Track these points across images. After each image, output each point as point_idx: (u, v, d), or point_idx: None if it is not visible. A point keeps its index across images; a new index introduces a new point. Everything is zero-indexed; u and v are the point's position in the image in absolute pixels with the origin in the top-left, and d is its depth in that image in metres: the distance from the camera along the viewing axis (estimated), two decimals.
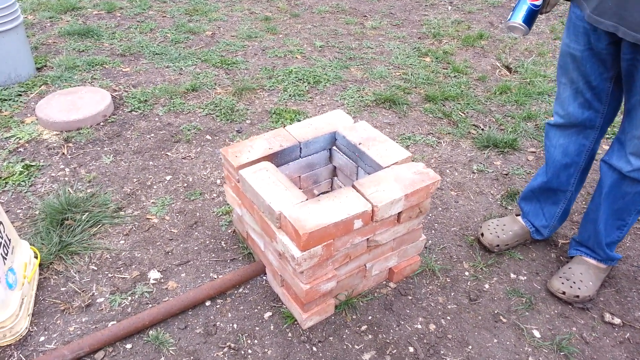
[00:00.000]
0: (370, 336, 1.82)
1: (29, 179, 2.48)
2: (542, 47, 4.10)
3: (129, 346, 1.76)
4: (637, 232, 2.31)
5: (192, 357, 1.73)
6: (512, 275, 2.07)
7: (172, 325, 1.83)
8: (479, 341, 1.81)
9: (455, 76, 3.63)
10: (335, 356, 1.75)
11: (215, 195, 2.44)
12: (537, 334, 1.85)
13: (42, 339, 1.77)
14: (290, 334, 1.82)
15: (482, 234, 2.16)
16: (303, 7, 4.88)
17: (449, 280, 2.04)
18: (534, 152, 2.83)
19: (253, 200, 1.84)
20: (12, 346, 1.74)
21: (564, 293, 1.95)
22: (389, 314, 1.90)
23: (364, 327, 1.85)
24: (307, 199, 1.73)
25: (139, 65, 3.59)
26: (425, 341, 1.80)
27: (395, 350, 1.77)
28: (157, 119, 2.99)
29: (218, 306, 1.91)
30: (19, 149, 2.68)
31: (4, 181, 2.44)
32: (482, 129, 3.01)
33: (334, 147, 2.13)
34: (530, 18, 1.74)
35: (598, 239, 1.96)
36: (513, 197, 2.46)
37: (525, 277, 2.07)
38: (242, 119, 3.01)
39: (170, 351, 1.74)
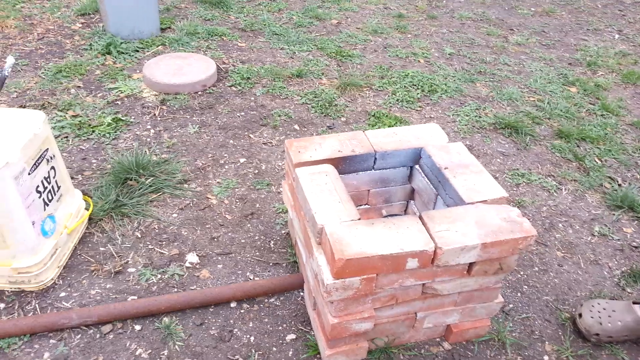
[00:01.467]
0: None
1: (115, 132, 2.49)
2: None
3: (138, 327, 1.62)
4: None
5: None
6: None
7: (189, 318, 1.67)
8: None
9: (602, 115, 3.03)
10: None
11: (282, 189, 2.23)
12: None
13: (62, 294, 1.71)
14: None
15: (581, 315, 1.69)
16: (444, 10, 4.50)
17: None
18: None
19: (302, 206, 1.59)
20: (34, 294, 1.70)
21: None
22: None
23: None
24: (359, 219, 1.44)
25: (255, 42, 3.52)
26: None
27: None
28: (252, 98, 2.87)
29: (242, 311, 1.71)
30: (117, 102, 2.73)
31: (91, 129, 2.48)
32: (619, 184, 2.43)
33: (417, 166, 1.80)
34: None
35: None
36: (637, 279, 1.92)
37: None
38: (337, 115, 2.78)
39: (176, 346, 1.57)
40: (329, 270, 1.37)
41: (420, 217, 1.45)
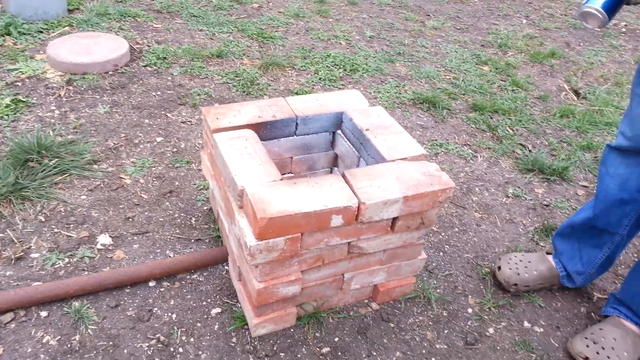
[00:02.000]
0: None
1: (14, 114, 2.28)
2: (622, 76, 3.58)
3: (44, 314, 1.48)
4: None
5: (111, 343, 1.43)
6: (526, 324, 1.65)
7: (102, 301, 1.55)
8: None
9: (512, 90, 3.19)
10: None
11: (201, 161, 2.15)
12: None
13: None
14: (235, 339, 1.49)
15: (500, 268, 1.76)
16: None
17: (445, 314, 1.65)
18: (587, 186, 2.36)
19: (222, 171, 1.53)
20: None
21: (587, 359, 1.51)
22: (361, 339, 1.53)
23: (325, 350, 1.49)
24: (281, 179, 1.40)
25: (172, 24, 3.37)
26: None
27: None
28: (169, 78, 2.74)
29: (162, 289, 1.61)
30: (17, 83, 2.50)
31: None
32: (530, 150, 2.57)
33: (339, 131, 1.79)
34: (613, 5, 1.33)
35: None
36: (549, 233, 2.03)
37: (541, 330, 1.64)
38: (259, 94, 2.72)
39: (89, 330, 1.46)
40: (252, 232, 1.31)
41: (343, 175, 1.43)
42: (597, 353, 1.51)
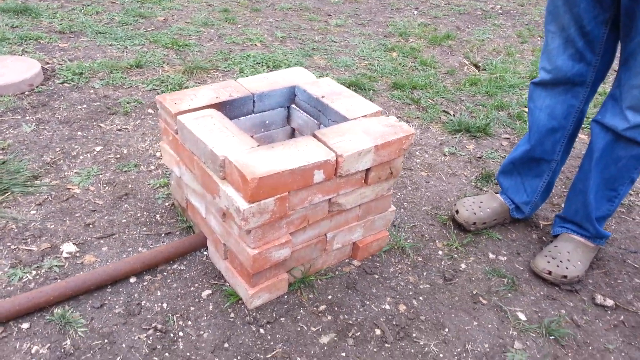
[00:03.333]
0: (329, 317, 1.51)
1: None
2: (510, 48, 4.01)
3: (25, 326, 1.38)
4: (621, 216, 2.12)
5: (106, 340, 1.37)
6: (491, 256, 1.82)
7: (85, 304, 1.47)
8: (456, 323, 1.53)
9: (423, 69, 3.46)
10: (287, 339, 1.43)
11: (153, 167, 2.10)
12: (522, 316, 1.59)
13: None
14: (232, 315, 1.49)
15: (457, 211, 1.92)
16: (265, 4, 4.67)
17: (420, 259, 1.77)
18: (508, 138, 2.64)
19: (193, 151, 1.53)
20: None
21: (550, 273, 1.70)
22: (352, 293, 1.60)
23: (322, 307, 1.54)
24: (258, 145, 1.44)
25: (79, 42, 3.24)
26: (394, 322, 1.51)
27: (359, 333, 1.46)
28: (92, 91, 2.64)
29: (145, 283, 1.56)
30: None
31: None
32: (453, 115, 2.81)
33: (293, 105, 1.86)
34: None
35: (587, 212, 1.74)
36: (488, 179, 2.24)
37: (505, 258, 1.82)
38: None
39: (79, 332, 1.38)
40: (242, 197, 1.34)
41: (314, 135, 1.50)
42: (557, 266, 1.70)
